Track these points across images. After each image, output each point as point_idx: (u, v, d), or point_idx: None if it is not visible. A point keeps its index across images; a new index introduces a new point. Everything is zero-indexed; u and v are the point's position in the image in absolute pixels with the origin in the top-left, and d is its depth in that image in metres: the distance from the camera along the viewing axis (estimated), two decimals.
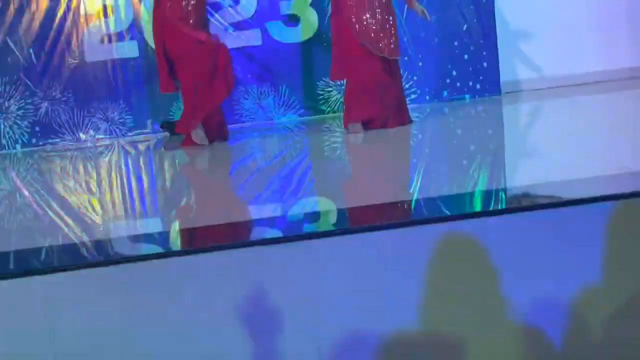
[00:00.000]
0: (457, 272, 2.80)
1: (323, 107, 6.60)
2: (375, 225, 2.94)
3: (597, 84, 6.87)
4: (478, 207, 3.26)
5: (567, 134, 4.84)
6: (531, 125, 5.77)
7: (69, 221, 3.76)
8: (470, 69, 6.82)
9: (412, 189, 3.80)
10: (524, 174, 3.94)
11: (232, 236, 3.19)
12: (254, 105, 6.62)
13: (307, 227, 3.30)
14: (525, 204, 3.12)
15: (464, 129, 5.72)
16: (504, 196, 3.43)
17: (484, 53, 6.82)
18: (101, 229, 3.61)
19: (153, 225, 3.64)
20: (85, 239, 3.33)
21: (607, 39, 7.10)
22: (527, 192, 3.35)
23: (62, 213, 3.95)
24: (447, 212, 3.24)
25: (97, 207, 4.11)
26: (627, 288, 2.83)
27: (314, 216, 3.42)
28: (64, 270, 2.71)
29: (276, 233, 3.21)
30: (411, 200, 3.50)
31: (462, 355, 2.78)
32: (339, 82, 6.40)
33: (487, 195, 3.41)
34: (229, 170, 5.07)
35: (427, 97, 6.80)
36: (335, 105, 6.65)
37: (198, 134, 5.37)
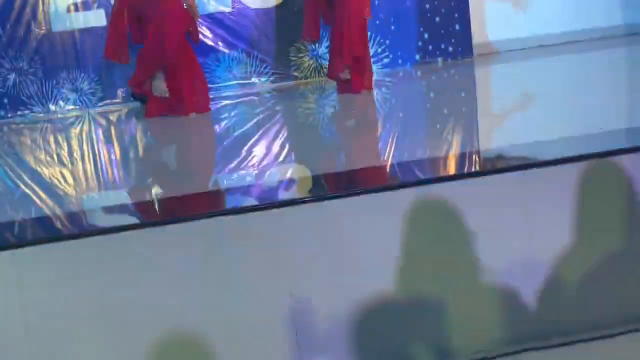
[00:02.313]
0: (432, 235, 2.82)
1: (295, 73, 6.56)
2: (350, 191, 2.94)
3: (570, 44, 6.89)
4: (451, 170, 3.28)
5: (539, 95, 4.86)
6: (503, 87, 5.78)
7: (41, 194, 3.72)
8: (442, 31, 6.80)
9: (385, 154, 3.80)
10: (496, 137, 3.95)
11: (206, 206, 3.17)
12: (225, 72, 6.56)
13: (282, 195, 3.29)
14: (497, 166, 3.14)
15: (436, 92, 5.72)
16: (477, 159, 3.44)
17: (456, 15, 6.80)
18: (73, 201, 3.58)
19: (123, 197, 3.61)
20: (57, 211, 3.30)
21: (578, 0, 7.11)
22: (500, 154, 3.37)
23: (33, 186, 3.91)
24: (420, 176, 3.25)
25: (69, 179, 4.06)
26: (598, 247, 2.86)
27: (289, 184, 3.41)
28: (36, 243, 2.68)
29: (250, 201, 3.21)
30: (385, 165, 3.50)
31: (439, 316, 2.81)
32: (312, 47, 6.38)
33: (460, 158, 3.42)
34: (202, 139, 5.04)
35: (400, 61, 6.78)
36: (307, 71, 6.61)
37: (158, 87, 5.36)
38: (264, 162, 3.93)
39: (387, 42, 6.70)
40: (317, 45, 6.44)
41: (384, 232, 2.77)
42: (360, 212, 2.80)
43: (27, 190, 3.84)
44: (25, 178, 4.15)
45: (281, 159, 4.03)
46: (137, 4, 5.43)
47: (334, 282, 2.77)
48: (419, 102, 5.42)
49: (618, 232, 2.86)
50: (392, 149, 3.89)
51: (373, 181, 3.32)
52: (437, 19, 6.79)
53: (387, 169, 3.43)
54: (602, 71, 5.72)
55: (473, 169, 3.29)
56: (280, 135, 4.79)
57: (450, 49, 6.83)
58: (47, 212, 3.36)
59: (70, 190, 3.82)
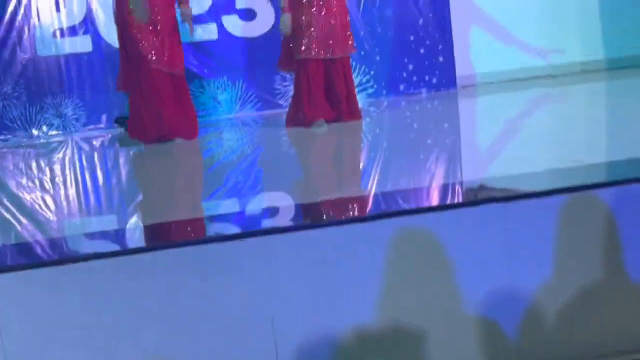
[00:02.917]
0: (413, 265, 2.82)
1: (280, 102, 6.59)
2: (332, 220, 2.95)
3: (552, 77, 6.97)
4: (434, 201, 3.29)
5: (521, 127, 4.91)
6: (485, 119, 5.83)
7: (21, 219, 3.70)
8: (426, 63, 6.87)
9: (368, 183, 3.82)
10: (478, 168, 3.98)
11: (188, 233, 3.17)
12: (210, 99, 6.58)
13: (264, 223, 3.29)
14: (479, 198, 3.16)
15: (420, 123, 5.76)
16: (459, 190, 3.46)
17: (440, 47, 6.88)
18: (53, 226, 3.56)
19: (104, 224, 3.59)
20: (37, 237, 3.27)
21: (558, 34, 7.22)
22: (482, 186, 3.39)
23: (13, 210, 3.88)
24: (403, 206, 3.26)
25: (50, 205, 4.04)
26: (578, 280, 2.88)
27: (270, 212, 3.41)
28: (15, 269, 2.66)
29: (232, 229, 3.20)
30: (368, 195, 3.52)
31: (420, 348, 2.80)
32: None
33: (443, 189, 3.44)
34: (185, 166, 5.03)
35: (384, 91, 6.84)
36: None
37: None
38: (246, 190, 3.93)
39: (372, 72, 6.76)
40: None
41: (365, 262, 2.78)
42: (341, 242, 2.80)
43: (7, 215, 3.82)
44: (6, 202, 4.12)
45: (263, 187, 4.03)
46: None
47: (315, 311, 2.76)
48: (402, 132, 5.46)
49: (598, 265, 2.88)
50: (375, 179, 3.91)
51: (355, 211, 3.32)
52: (422, 50, 6.86)
53: (369, 199, 3.44)
54: (584, 104, 5.79)
55: (455, 200, 3.31)
56: (263, 163, 4.80)
57: (434, 80, 6.89)
58: (27, 237, 3.33)
59: (50, 216, 3.80)
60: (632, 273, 2.87)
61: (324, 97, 5.50)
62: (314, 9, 5.36)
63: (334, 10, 5.39)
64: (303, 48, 5.39)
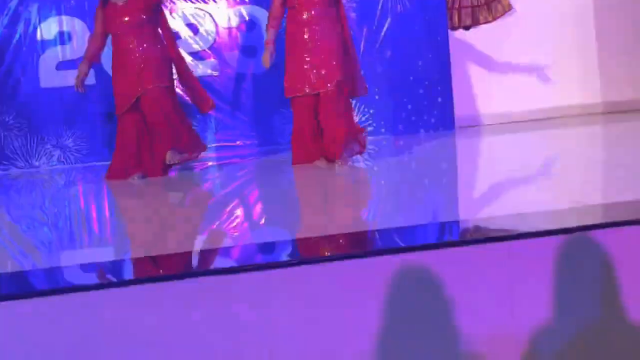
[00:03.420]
0: (412, 303, 2.82)
1: (279, 139, 6.62)
2: (330, 256, 2.95)
3: (549, 119, 7.03)
4: (432, 238, 3.30)
5: (520, 168, 4.93)
6: (484, 159, 5.87)
7: (17, 249, 3.70)
8: (425, 103, 6.93)
9: (367, 219, 3.83)
10: (477, 207, 4.00)
11: (182, 266, 3.16)
12: (211, 134, 6.61)
13: (261, 258, 3.29)
14: (478, 237, 3.17)
15: (418, 162, 5.79)
16: (457, 228, 3.47)
17: (439, 88, 6.94)
18: (47, 257, 3.56)
19: (101, 254, 3.59)
20: (31, 267, 3.27)
21: (558, 77, 7.29)
22: (480, 225, 3.40)
23: (9, 240, 3.88)
24: (401, 243, 3.26)
25: (46, 235, 4.04)
26: (578, 321, 2.87)
27: (268, 246, 3.42)
28: (9, 298, 2.66)
29: (229, 263, 3.20)
30: (366, 232, 3.52)
31: None
32: None
33: (441, 227, 3.45)
34: (184, 199, 5.05)
35: (383, 130, 6.88)
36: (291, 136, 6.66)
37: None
38: (244, 224, 3.94)
39: (371, 111, 6.81)
40: None
41: (363, 299, 2.78)
42: (339, 278, 2.81)
43: (2, 244, 3.81)
44: (2, 232, 4.12)
45: (261, 221, 4.04)
46: None
47: (311, 347, 2.75)
48: (400, 171, 5.48)
49: (597, 306, 2.88)
50: (374, 216, 3.92)
51: (353, 247, 3.33)
52: (421, 90, 6.92)
53: (368, 235, 3.45)
54: (582, 146, 5.83)
55: (453, 238, 3.32)
56: (262, 198, 4.81)
57: (433, 120, 6.94)
58: (21, 267, 3.33)
59: (46, 246, 3.80)
60: (631, 314, 2.87)
61: (312, 135, 5.36)
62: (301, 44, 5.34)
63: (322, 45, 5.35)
64: (287, 85, 5.37)
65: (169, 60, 5.42)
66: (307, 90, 5.28)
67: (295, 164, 5.37)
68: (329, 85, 5.23)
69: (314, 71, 5.26)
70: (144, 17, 5.28)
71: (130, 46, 5.27)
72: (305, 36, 5.27)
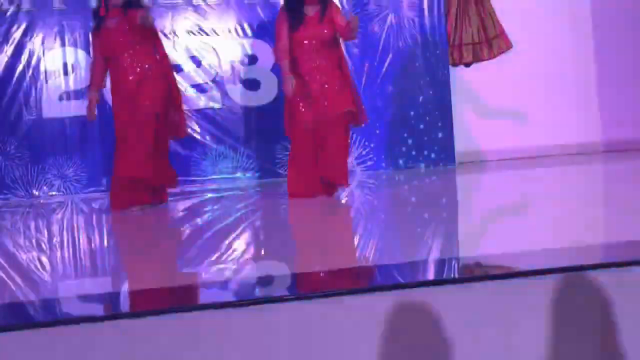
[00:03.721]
0: (408, 340, 2.80)
1: (280, 171, 6.64)
2: (327, 292, 2.94)
3: (549, 157, 7.05)
4: (430, 275, 3.29)
5: (518, 205, 4.94)
6: (483, 195, 5.87)
7: (16, 278, 3.69)
8: (426, 138, 6.96)
9: (365, 255, 3.82)
10: (475, 244, 3.99)
11: (181, 299, 3.15)
12: (211, 166, 6.63)
13: (259, 292, 3.28)
14: (476, 274, 3.16)
15: (418, 197, 5.79)
16: (455, 265, 3.47)
17: (439, 124, 6.97)
18: (47, 287, 3.54)
19: (99, 286, 3.58)
20: (30, 297, 3.26)
21: (558, 114, 7.33)
22: (478, 262, 3.40)
23: (8, 270, 3.87)
24: (399, 279, 3.25)
25: (45, 265, 4.03)
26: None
27: (266, 281, 3.40)
28: (9, 329, 2.64)
29: (226, 297, 3.19)
30: (364, 267, 3.51)
31: None
32: None
33: (439, 263, 3.45)
34: (182, 230, 5.04)
35: (383, 165, 6.90)
36: None
37: None
38: (243, 257, 3.93)
39: (372, 145, 6.84)
40: None
41: (360, 335, 2.76)
42: (336, 314, 2.79)
43: (1, 274, 3.80)
44: (2, 262, 4.11)
45: (260, 254, 4.03)
46: None
47: None
48: (400, 205, 5.48)
49: (597, 346, 2.86)
50: (372, 251, 3.91)
51: (351, 282, 3.32)
52: (421, 126, 6.95)
53: (366, 271, 3.44)
54: (581, 185, 5.83)
55: (451, 275, 3.31)
56: (261, 231, 4.81)
57: (433, 155, 6.96)
58: (21, 297, 3.32)
59: (44, 277, 3.79)
60: (629, 355, 2.85)
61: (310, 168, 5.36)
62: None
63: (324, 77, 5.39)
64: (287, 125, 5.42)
65: (164, 82, 5.41)
66: (307, 125, 5.31)
67: (294, 196, 5.38)
68: (335, 112, 5.28)
69: (317, 104, 5.31)
70: (137, 37, 5.29)
71: (125, 68, 5.27)
72: (307, 77, 5.34)
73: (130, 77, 5.26)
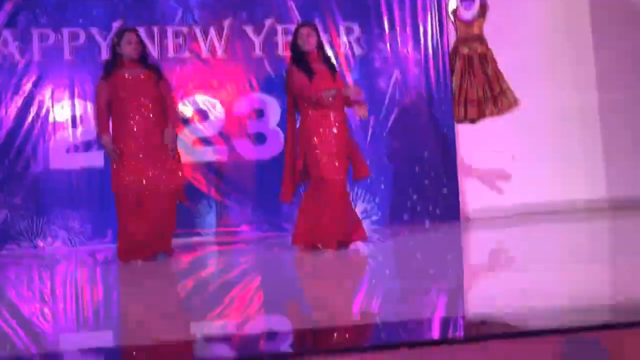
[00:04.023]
0: None
1: (285, 224, 6.64)
2: (333, 349, 2.91)
3: (554, 213, 7.04)
4: (434, 334, 3.26)
5: (523, 262, 4.91)
6: (488, 252, 5.84)
7: (18, 330, 3.66)
8: (431, 194, 6.96)
9: (369, 312, 3.79)
10: (479, 301, 3.96)
11: (185, 356, 3.12)
12: (216, 218, 6.63)
13: (263, 347, 3.25)
14: (481, 333, 3.13)
15: (423, 253, 5.77)
16: (461, 323, 3.43)
17: (444, 179, 6.99)
18: (48, 340, 3.52)
19: (101, 340, 3.55)
20: (34, 350, 3.23)
21: (564, 171, 7.34)
22: (484, 320, 3.36)
23: (11, 321, 3.85)
24: (403, 337, 3.22)
25: (47, 317, 4.01)
26: None
27: (269, 336, 3.38)
28: None
29: (228, 353, 3.16)
30: (368, 324, 3.48)
31: None
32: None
33: (444, 322, 3.41)
34: (186, 284, 5.01)
35: (388, 219, 6.89)
36: None
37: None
38: (246, 312, 3.90)
39: (377, 200, 6.84)
40: None
41: None
42: None
43: (3, 326, 3.78)
44: (4, 313, 4.09)
45: (263, 309, 4.00)
46: None
47: None
48: (405, 261, 5.46)
49: None
50: (376, 307, 3.88)
51: (354, 340, 3.29)
52: (426, 181, 6.96)
53: (370, 328, 3.41)
54: (587, 242, 5.80)
55: (456, 334, 3.27)
56: (264, 285, 4.78)
57: (438, 211, 6.96)
58: (22, 350, 3.29)
59: (46, 330, 3.76)
60: None
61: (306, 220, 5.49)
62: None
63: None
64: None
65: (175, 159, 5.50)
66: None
67: (298, 244, 5.41)
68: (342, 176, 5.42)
69: (330, 160, 5.40)
70: (149, 90, 5.38)
71: (132, 123, 5.34)
72: (319, 136, 5.44)
73: (136, 135, 5.32)
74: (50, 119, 6.46)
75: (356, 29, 6.95)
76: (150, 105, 5.36)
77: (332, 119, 5.46)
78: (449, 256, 5.66)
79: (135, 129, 5.33)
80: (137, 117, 5.34)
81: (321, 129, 5.44)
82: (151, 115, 5.36)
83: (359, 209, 6.67)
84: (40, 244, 6.36)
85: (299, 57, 5.48)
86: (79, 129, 6.50)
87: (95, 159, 6.43)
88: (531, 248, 5.58)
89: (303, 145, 5.48)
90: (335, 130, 5.46)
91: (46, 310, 4.21)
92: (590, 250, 5.33)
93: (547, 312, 3.34)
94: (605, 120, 7.52)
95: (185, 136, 6.54)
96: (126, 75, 5.38)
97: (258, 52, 6.78)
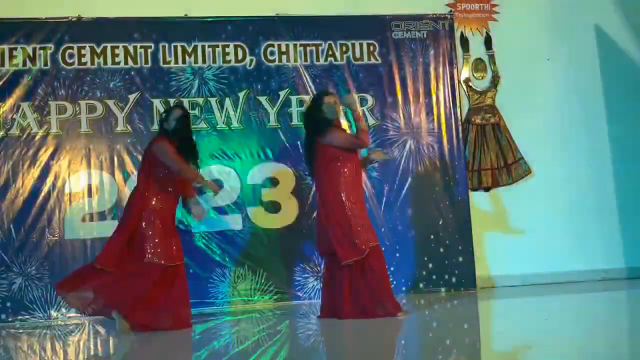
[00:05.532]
0: None
1: (299, 294, 6.59)
2: None
3: (570, 283, 6.95)
4: None
5: (541, 333, 4.83)
6: (505, 321, 5.75)
7: None
8: (446, 262, 6.91)
9: None
10: None
11: None
12: (230, 288, 6.60)
13: None
14: None
15: (439, 322, 5.69)
16: None
17: (460, 248, 6.95)
18: None
19: None
20: None
21: (580, 242, 7.28)
22: None
23: None
24: None
25: None
26: None
27: None
28: None
29: None
30: None
31: None
32: (317, 268, 6.46)
33: None
34: (198, 356, 4.96)
35: (403, 288, 6.83)
36: (311, 292, 6.64)
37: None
38: None
39: (392, 268, 6.80)
40: (321, 267, 6.54)
41: None
42: None
43: None
44: None
45: None
46: None
47: None
48: (421, 331, 5.38)
49: None
50: None
51: None
52: (441, 249, 6.92)
53: None
54: (605, 313, 5.71)
55: None
56: (279, 356, 4.72)
57: (454, 279, 6.89)
58: None
59: None
60: None
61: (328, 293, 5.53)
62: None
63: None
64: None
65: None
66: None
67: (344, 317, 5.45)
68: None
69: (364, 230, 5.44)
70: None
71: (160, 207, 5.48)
72: (351, 201, 5.48)
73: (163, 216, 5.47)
74: (67, 189, 6.51)
75: (370, 99, 7.03)
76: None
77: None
78: (465, 325, 5.58)
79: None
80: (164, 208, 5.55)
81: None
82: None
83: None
84: (54, 314, 6.33)
85: (329, 124, 5.53)
86: (95, 199, 6.53)
87: (110, 228, 6.44)
88: (547, 318, 5.49)
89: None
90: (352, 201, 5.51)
91: None
92: (609, 322, 5.24)
93: None
94: (621, 189, 7.49)
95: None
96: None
97: (273, 122, 6.85)
